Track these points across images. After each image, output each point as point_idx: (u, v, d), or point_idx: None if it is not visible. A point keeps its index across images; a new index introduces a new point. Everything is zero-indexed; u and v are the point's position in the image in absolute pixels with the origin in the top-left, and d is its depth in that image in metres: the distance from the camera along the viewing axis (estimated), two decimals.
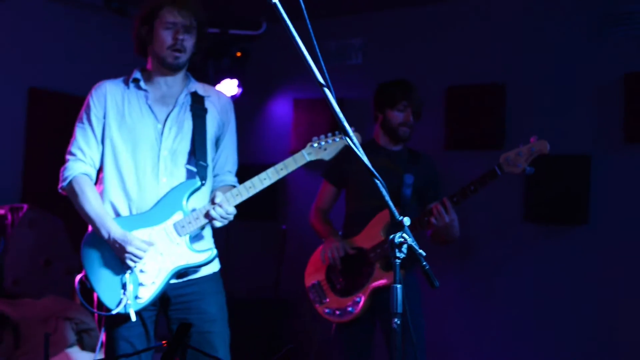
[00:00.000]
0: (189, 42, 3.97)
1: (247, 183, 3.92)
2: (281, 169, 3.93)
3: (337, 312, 4.90)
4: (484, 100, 6.91)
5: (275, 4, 2.41)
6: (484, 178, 4.59)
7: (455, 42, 7.17)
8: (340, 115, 2.45)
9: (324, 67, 2.40)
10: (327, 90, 2.39)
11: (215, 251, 3.95)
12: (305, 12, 2.35)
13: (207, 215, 3.88)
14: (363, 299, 4.82)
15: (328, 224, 5.14)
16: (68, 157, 3.98)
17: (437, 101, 7.15)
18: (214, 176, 4.10)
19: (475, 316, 6.95)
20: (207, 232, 4.05)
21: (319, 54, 2.39)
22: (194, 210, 3.91)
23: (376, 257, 4.83)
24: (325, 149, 3.99)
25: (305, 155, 3.97)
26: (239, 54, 8.01)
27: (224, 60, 7.94)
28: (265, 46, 8.03)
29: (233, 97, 7.85)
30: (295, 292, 5.33)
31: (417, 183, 4.93)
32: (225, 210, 3.86)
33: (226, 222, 3.91)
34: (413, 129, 5.00)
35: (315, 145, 3.99)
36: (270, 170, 3.92)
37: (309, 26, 2.38)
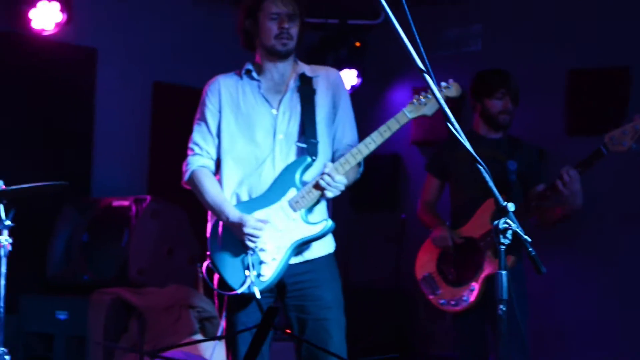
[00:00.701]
0: (294, 29, 4.05)
1: (353, 150, 3.95)
2: (385, 131, 3.93)
3: (452, 302, 4.92)
4: (606, 83, 6.76)
5: None
6: (590, 159, 4.55)
7: (576, 25, 7.03)
8: (442, 101, 2.46)
9: (423, 54, 2.41)
10: (427, 77, 2.40)
11: (330, 222, 4.01)
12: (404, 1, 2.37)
13: (317, 186, 3.94)
14: (477, 287, 4.82)
15: (435, 215, 5.16)
16: (188, 152, 4.17)
17: (558, 86, 7.03)
18: (335, 151, 4.15)
19: (594, 304, 6.82)
20: (321, 205, 4.10)
21: (419, 40, 2.40)
22: (305, 184, 3.98)
23: (487, 246, 4.82)
24: (425, 104, 3.97)
25: (407, 113, 3.96)
26: (357, 44, 8.05)
27: (343, 51, 7.98)
28: (384, 35, 8.03)
29: (352, 87, 7.89)
30: (415, 281, 5.37)
31: (520, 168, 4.89)
32: (333, 178, 3.89)
33: (337, 191, 3.93)
34: (513, 115, 4.98)
35: (415, 102, 3.98)
36: (374, 134, 3.93)
37: (408, 13, 2.39)
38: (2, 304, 4.29)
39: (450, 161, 5.06)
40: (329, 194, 3.93)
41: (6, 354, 4.24)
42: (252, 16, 4.08)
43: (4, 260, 4.27)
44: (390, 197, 8.20)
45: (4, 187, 4.27)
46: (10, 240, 4.30)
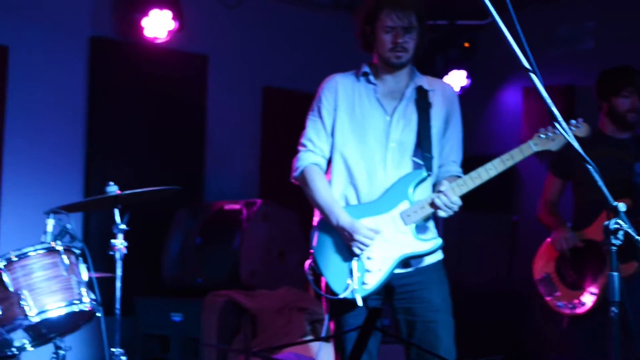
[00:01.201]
0: (409, 42, 4.00)
1: (473, 173, 3.92)
2: (507, 160, 3.90)
3: (570, 305, 4.83)
4: None
5: None
6: None
7: None
8: (549, 100, 2.42)
9: (529, 53, 2.39)
10: (533, 76, 2.37)
11: (440, 240, 3.98)
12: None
13: (432, 204, 3.91)
14: (597, 292, 4.71)
15: (557, 215, 5.08)
16: (300, 148, 4.14)
17: None
18: (439, 167, 4.12)
19: None
20: (432, 223, 4.09)
21: (524, 39, 2.38)
22: (419, 200, 3.96)
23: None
24: (553, 140, 3.93)
25: (532, 146, 3.92)
26: (466, 44, 7.99)
27: (452, 52, 7.94)
28: (493, 35, 7.94)
29: (462, 88, 7.84)
30: (528, 284, 5.29)
31: None
32: (450, 198, 3.87)
33: (451, 212, 3.91)
34: None
35: (543, 135, 3.94)
36: (496, 161, 3.90)
37: (512, 12, 2.36)
38: (118, 306, 4.39)
39: (574, 161, 4.96)
40: (443, 214, 3.90)
41: (123, 355, 4.34)
42: (369, 23, 4.05)
43: (119, 263, 4.37)
44: (502, 198, 8.10)
45: (118, 191, 4.37)
46: (126, 244, 4.39)
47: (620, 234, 2.49)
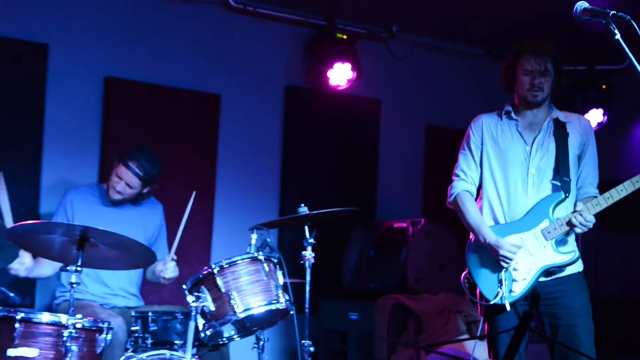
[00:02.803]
0: (545, 84, 4.02)
1: (606, 194, 3.93)
2: (636, 181, 3.89)
3: None
4: None
5: (618, 40, 2.40)
6: None
7: None
8: None
9: None
10: None
11: (577, 253, 4.00)
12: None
13: (569, 222, 3.89)
14: None
15: None
16: (453, 177, 4.26)
17: None
18: (578, 189, 4.09)
19: None
20: (571, 238, 4.07)
21: None
22: (558, 218, 3.93)
23: None
24: None
25: None
26: (604, 86, 7.74)
27: (591, 94, 7.70)
28: (631, 78, 7.65)
29: (598, 124, 7.56)
30: None
31: None
32: (585, 217, 3.86)
33: (585, 229, 3.93)
34: None
35: None
36: (626, 183, 3.89)
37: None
38: (307, 306, 4.49)
39: None
40: (578, 230, 3.93)
41: (311, 347, 4.43)
42: (511, 68, 4.11)
43: (308, 271, 4.48)
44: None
45: (308, 212, 4.49)
46: (313, 255, 4.50)
47: None
